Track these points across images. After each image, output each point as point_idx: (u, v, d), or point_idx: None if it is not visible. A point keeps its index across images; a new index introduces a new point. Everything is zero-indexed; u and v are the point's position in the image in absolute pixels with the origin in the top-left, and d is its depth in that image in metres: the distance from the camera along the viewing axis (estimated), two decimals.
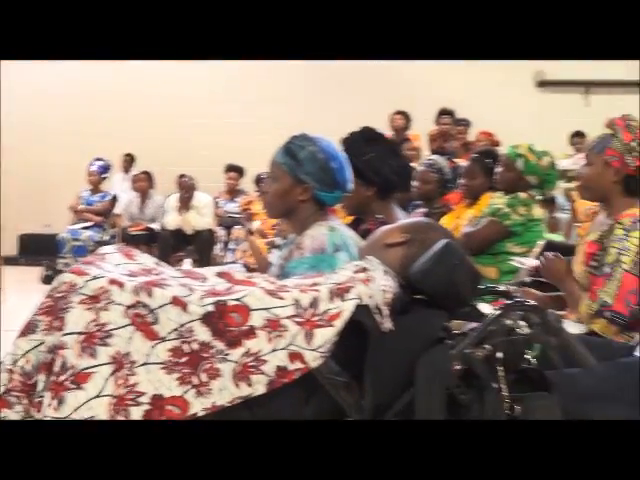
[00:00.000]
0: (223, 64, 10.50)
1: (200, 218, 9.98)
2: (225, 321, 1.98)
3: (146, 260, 2.31)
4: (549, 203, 8.48)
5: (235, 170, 10.56)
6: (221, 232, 10.10)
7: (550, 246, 3.82)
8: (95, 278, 1.99)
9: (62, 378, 1.90)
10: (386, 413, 2.09)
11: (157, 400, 1.94)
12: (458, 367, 2.14)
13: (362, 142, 3.54)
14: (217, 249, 10.00)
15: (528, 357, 2.40)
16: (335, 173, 2.74)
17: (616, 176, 3.16)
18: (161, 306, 1.96)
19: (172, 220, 10.01)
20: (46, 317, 1.99)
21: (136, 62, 9.43)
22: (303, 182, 2.72)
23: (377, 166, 3.46)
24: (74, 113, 11.77)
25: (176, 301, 1.97)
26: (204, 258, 9.61)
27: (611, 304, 3.03)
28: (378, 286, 2.08)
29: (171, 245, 9.89)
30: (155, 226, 10.14)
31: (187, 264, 9.73)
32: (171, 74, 11.93)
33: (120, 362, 1.94)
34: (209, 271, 2.35)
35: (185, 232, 9.98)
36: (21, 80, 11.26)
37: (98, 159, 10.28)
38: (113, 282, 1.98)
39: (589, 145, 3.26)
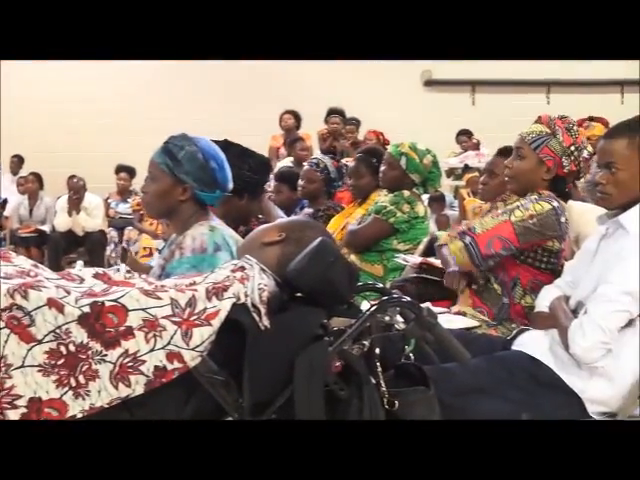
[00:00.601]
0: (114, 66, 10.51)
1: (91, 220, 9.88)
2: (102, 322, 1.96)
3: (22, 262, 2.26)
4: (438, 201, 8.66)
5: (126, 171, 10.43)
6: (113, 233, 9.94)
7: (433, 242, 3.88)
8: None
9: None
10: (266, 411, 2.10)
11: (35, 403, 1.91)
12: (337, 364, 2.15)
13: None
14: (109, 250, 9.93)
15: (406, 352, 2.42)
16: (215, 173, 2.76)
17: (547, 175, 3.24)
18: (37, 308, 1.93)
19: (62, 222, 9.82)
20: None
21: (27, 62, 9.28)
22: (183, 182, 2.73)
23: (237, 174, 3.41)
24: None
25: (52, 303, 1.94)
26: (95, 259, 9.47)
27: (478, 233, 3.14)
28: (255, 285, 2.10)
29: (62, 247, 9.79)
30: (45, 228, 10.03)
31: (79, 266, 9.52)
32: (63, 75, 11.74)
33: None
34: (87, 272, 2.31)
35: (76, 234, 9.87)
36: None
37: None
38: None
39: (523, 138, 3.29)
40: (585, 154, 3.29)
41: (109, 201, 10.45)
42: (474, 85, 11.89)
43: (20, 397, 1.91)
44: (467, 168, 9.27)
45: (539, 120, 3.35)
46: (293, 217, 3.12)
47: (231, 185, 3.00)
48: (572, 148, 3.24)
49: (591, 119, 4.45)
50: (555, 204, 3.18)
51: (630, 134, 2.66)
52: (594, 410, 2.57)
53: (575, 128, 3.32)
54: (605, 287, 2.55)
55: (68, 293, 2.00)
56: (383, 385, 2.25)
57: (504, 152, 3.72)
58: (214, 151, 2.82)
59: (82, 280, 2.20)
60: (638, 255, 2.55)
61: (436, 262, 3.52)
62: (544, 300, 2.85)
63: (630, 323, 2.54)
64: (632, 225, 2.61)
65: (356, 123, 9.57)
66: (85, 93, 11.90)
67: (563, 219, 3.21)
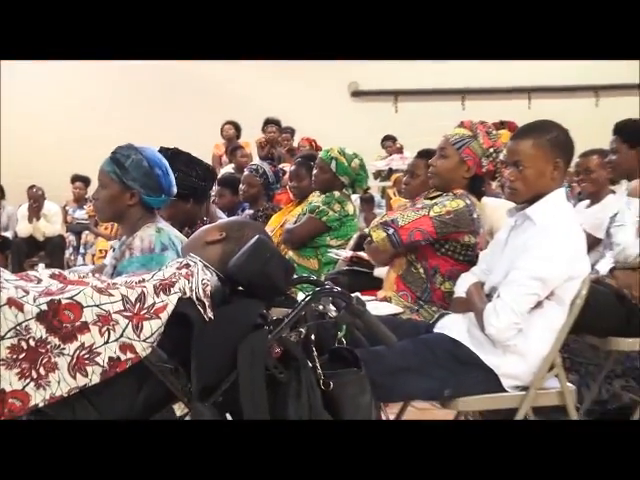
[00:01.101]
0: (63, 81, 10.64)
1: (50, 226, 10.17)
2: (59, 318, 1.99)
3: None
4: (368, 201, 8.81)
5: (81, 180, 10.78)
6: (71, 237, 10.33)
7: (362, 238, 3.98)
8: None
9: None
10: (213, 395, 2.14)
11: None
12: (276, 350, 2.23)
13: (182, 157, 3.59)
14: (68, 253, 10.23)
15: (338, 337, 2.51)
16: (160, 179, 2.79)
17: (468, 173, 3.33)
18: None
19: (24, 228, 10.13)
20: None
21: None
22: (130, 188, 2.75)
23: (185, 180, 3.48)
24: None
25: (12, 302, 1.96)
26: (56, 262, 9.55)
27: (400, 225, 3.21)
28: (199, 280, 2.15)
29: (24, 251, 10.06)
30: (8, 234, 10.30)
31: (41, 268, 9.51)
32: (23, 86, 11.71)
33: None
34: (44, 273, 2.31)
35: (37, 239, 10.11)
36: None
37: None
38: None
39: (447, 139, 3.38)
40: (501, 156, 3.37)
41: (67, 208, 10.86)
42: (397, 95, 12.17)
43: None
44: (392, 170, 9.49)
45: (462, 125, 3.43)
46: (233, 218, 3.12)
47: (175, 190, 3.00)
48: (491, 150, 3.35)
49: (502, 123, 4.60)
50: (468, 202, 3.27)
51: (534, 135, 2.78)
52: (508, 384, 2.67)
53: (494, 132, 3.43)
54: (515, 273, 2.64)
55: (27, 293, 2.02)
56: (319, 368, 2.32)
57: (424, 155, 3.81)
58: (158, 159, 2.84)
59: (40, 280, 2.20)
60: (543, 243, 2.67)
61: (365, 256, 3.59)
62: (461, 287, 2.94)
63: (538, 305, 2.64)
64: (538, 217, 2.71)
65: (291, 132, 9.80)
66: (38, 109, 11.92)
67: (475, 215, 3.29)
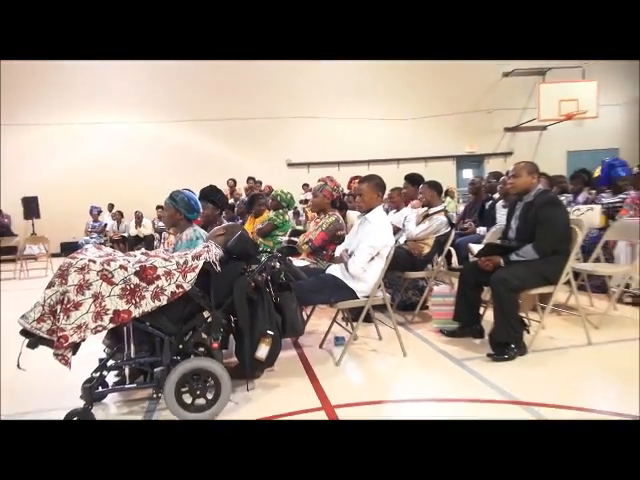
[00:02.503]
0: None
1: (146, 230, 9.70)
2: (145, 273, 2.03)
3: (107, 250, 2.27)
4: (296, 214, 8.86)
5: (161, 207, 10.04)
6: (157, 235, 9.52)
7: (294, 231, 4.06)
8: (81, 260, 2.00)
9: (68, 306, 1.93)
10: (222, 306, 2.18)
11: (117, 312, 1.97)
12: (252, 284, 2.32)
13: (210, 190, 3.55)
14: (155, 244, 9.33)
15: (281, 277, 2.63)
16: (193, 205, 2.76)
17: (328, 200, 3.35)
18: (115, 269, 2.00)
19: (133, 231, 9.64)
20: (58, 279, 1.98)
21: None
22: (179, 210, 2.73)
23: (215, 200, 3.44)
24: None
25: (121, 267, 2.01)
26: (149, 249, 8.88)
27: (314, 238, 3.23)
28: (213, 253, 2.19)
29: (133, 243, 9.44)
30: (125, 234, 9.71)
31: (138, 252, 8.99)
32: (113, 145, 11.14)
33: (96, 297, 1.96)
34: (138, 253, 2.30)
35: (139, 237, 9.64)
36: None
37: None
38: (90, 260, 2.00)
39: (316, 189, 3.38)
40: (344, 190, 3.39)
41: (154, 221, 10.06)
42: (309, 165, 11.82)
43: (109, 309, 1.96)
44: (307, 200, 9.61)
45: (321, 179, 3.45)
46: (229, 223, 3.10)
47: (202, 210, 2.91)
48: (335, 188, 3.37)
49: (355, 177, 4.71)
50: (336, 216, 3.30)
51: (368, 181, 2.88)
52: (360, 295, 2.74)
53: (335, 182, 3.41)
54: (362, 244, 2.75)
55: (129, 262, 2.06)
56: (272, 292, 2.42)
57: (314, 193, 3.57)
58: (192, 196, 2.78)
59: (135, 255, 2.23)
60: (373, 231, 2.76)
61: (295, 239, 3.55)
62: (338, 252, 3.00)
63: (372, 259, 2.75)
64: (370, 218, 2.83)
65: (260, 182, 9.69)
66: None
67: (341, 221, 3.30)
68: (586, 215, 4.20)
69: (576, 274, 3.44)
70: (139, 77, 11.26)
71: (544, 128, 12.43)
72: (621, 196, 4.41)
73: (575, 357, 2.67)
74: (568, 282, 2.88)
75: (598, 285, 4.04)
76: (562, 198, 4.96)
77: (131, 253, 2.29)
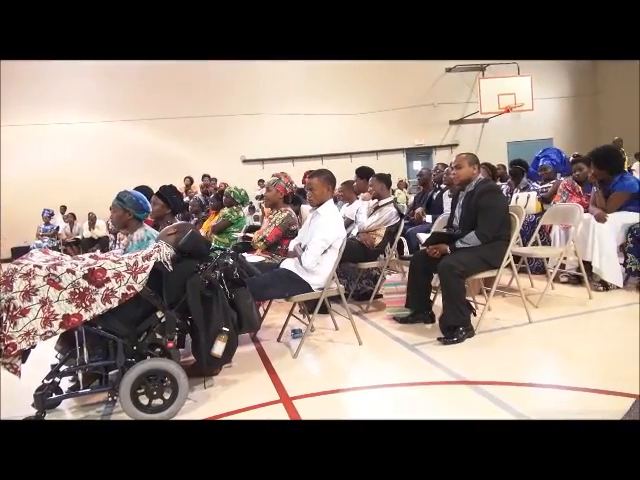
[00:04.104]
0: None
1: (100, 231, 9.47)
2: (94, 276, 1.97)
3: (54, 254, 2.19)
4: (251, 209, 8.77)
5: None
6: (111, 237, 9.05)
7: (249, 227, 3.99)
8: (26, 265, 1.92)
9: (15, 313, 1.85)
10: (174, 305, 2.14)
11: (66, 317, 1.91)
12: (205, 281, 2.24)
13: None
14: (110, 245, 9.05)
15: (235, 273, 2.48)
16: (142, 205, 2.70)
17: (281, 195, 3.30)
18: (62, 273, 1.93)
19: (87, 233, 9.43)
20: (2, 286, 1.88)
21: None
22: (127, 211, 2.68)
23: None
24: None
25: (68, 270, 1.94)
26: (104, 250, 8.67)
27: (267, 235, 3.19)
28: (164, 252, 2.15)
29: (87, 245, 9.33)
30: (79, 237, 9.54)
31: (87, 255, 8.68)
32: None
33: (44, 302, 1.89)
34: (86, 255, 2.25)
35: (94, 238, 9.48)
36: None
37: None
38: (35, 266, 1.93)
39: (270, 183, 3.31)
40: (296, 187, 3.36)
41: (108, 223, 9.33)
42: (263, 161, 11.69)
43: (58, 314, 1.90)
44: (262, 195, 9.58)
45: (275, 175, 3.38)
46: (180, 222, 3.05)
47: (151, 209, 2.86)
48: (288, 183, 3.33)
49: (310, 171, 4.71)
50: (288, 211, 3.27)
51: (318, 175, 2.88)
52: (315, 288, 2.73)
53: (288, 175, 3.36)
54: (314, 238, 2.75)
55: (77, 265, 1.99)
56: (226, 288, 2.35)
57: (268, 187, 3.49)
58: (139, 194, 2.74)
59: (84, 259, 2.15)
60: (325, 224, 2.76)
61: (249, 235, 3.53)
62: (291, 245, 2.98)
63: (325, 252, 2.75)
64: (322, 211, 2.84)
65: (215, 180, 9.51)
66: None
67: (293, 215, 3.29)
68: (523, 201, 4.38)
69: (517, 257, 3.60)
70: (91, 77, 10.75)
71: (486, 120, 12.88)
72: (552, 182, 4.62)
73: (518, 335, 2.78)
74: (509, 265, 2.99)
75: (538, 267, 4.23)
76: (503, 186, 5.20)
77: (79, 256, 2.22)
